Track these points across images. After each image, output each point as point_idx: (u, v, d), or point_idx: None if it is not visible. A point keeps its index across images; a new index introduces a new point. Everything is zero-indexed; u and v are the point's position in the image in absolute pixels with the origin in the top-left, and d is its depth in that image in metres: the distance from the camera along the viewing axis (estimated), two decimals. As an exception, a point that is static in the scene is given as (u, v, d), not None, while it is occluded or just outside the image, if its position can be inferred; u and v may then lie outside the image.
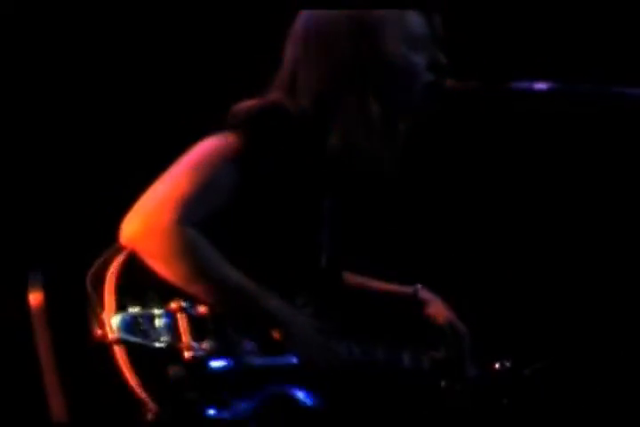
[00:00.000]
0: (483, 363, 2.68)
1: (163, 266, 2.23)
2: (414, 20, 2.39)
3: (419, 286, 2.70)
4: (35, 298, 2.34)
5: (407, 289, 2.70)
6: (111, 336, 2.18)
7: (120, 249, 2.27)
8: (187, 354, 2.20)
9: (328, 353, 2.36)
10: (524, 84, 2.36)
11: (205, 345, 2.23)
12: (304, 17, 2.41)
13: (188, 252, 2.23)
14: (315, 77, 2.36)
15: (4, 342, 3.15)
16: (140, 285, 2.26)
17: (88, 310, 2.22)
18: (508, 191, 3.62)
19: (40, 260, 2.53)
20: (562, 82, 2.33)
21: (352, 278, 2.69)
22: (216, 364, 2.24)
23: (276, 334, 2.30)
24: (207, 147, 2.31)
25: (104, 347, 2.18)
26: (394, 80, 2.36)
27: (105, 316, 2.19)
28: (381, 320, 2.67)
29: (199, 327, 2.25)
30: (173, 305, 2.24)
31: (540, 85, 2.34)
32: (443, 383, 2.61)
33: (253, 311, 2.29)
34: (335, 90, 2.35)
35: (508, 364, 2.66)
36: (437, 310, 2.67)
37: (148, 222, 2.24)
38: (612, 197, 3.60)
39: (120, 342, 2.18)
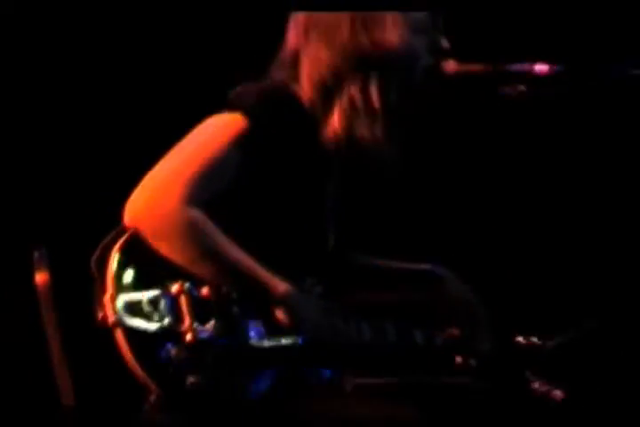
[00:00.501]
0: (505, 337, 2.67)
1: (167, 247, 2.23)
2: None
3: (434, 264, 2.70)
4: (41, 278, 2.35)
5: (424, 267, 2.71)
6: (112, 319, 2.19)
7: (123, 230, 2.27)
8: (188, 336, 2.21)
9: (336, 334, 2.37)
10: (524, 66, 2.37)
11: (208, 327, 2.24)
12: None
13: (193, 232, 2.23)
14: (316, 64, 2.38)
15: (12, 324, 3.17)
16: (142, 267, 2.26)
17: (91, 292, 2.23)
18: (510, 172, 3.64)
19: (46, 241, 2.51)
20: (562, 64, 2.34)
21: (367, 259, 2.70)
22: (219, 346, 2.25)
23: (280, 315, 2.30)
24: (213, 127, 2.32)
25: (106, 329, 2.19)
26: (395, 68, 2.37)
27: (106, 298, 2.20)
28: (394, 298, 2.69)
29: (202, 309, 2.26)
30: (176, 287, 2.24)
31: (541, 67, 2.35)
32: (458, 359, 2.60)
33: (260, 292, 2.29)
34: (336, 76, 2.37)
35: (534, 339, 2.65)
36: (452, 286, 2.67)
37: (152, 203, 2.23)
38: (611, 180, 3.63)
39: (121, 324, 2.19)
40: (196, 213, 2.23)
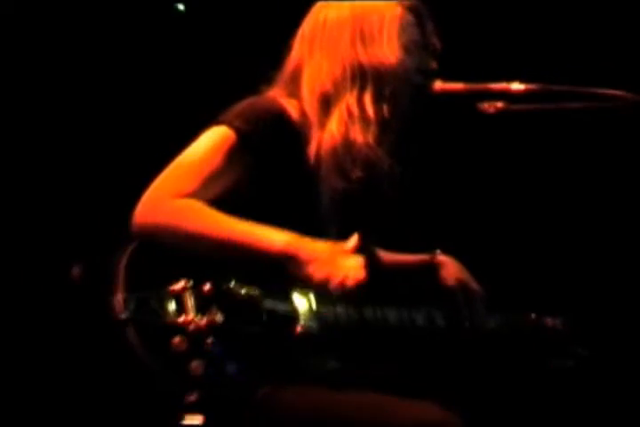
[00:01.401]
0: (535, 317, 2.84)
1: (166, 234, 2.38)
2: (409, 28, 2.59)
3: (437, 251, 2.85)
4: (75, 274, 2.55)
5: (425, 256, 2.86)
6: (123, 316, 2.33)
7: (131, 240, 2.42)
8: (191, 327, 2.34)
9: (343, 268, 2.40)
10: (502, 85, 2.55)
11: (210, 319, 2.36)
12: (312, 21, 2.60)
13: (182, 215, 2.38)
14: (318, 75, 2.54)
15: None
16: (148, 269, 2.40)
17: (105, 293, 2.37)
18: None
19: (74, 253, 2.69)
20: (537, 83, 2.53)
21: (379, 252, 2.85)
22: (219, 335, 2.37)
23: (291, 267, 2.37)
24: (203, 139, 2.47)
25: (118, 325, 2.34)
26: (387, 81, 2.54)
27: (118, 298, 2.35)
28: (397, 285, 2.84)
29: (204, 304, 2.38)
30: (180, 285, 2.37)
31: (517, 86, 2.54)
32: (459, 338, 2.72)
33: (260, 249, 2.38)
34: (336, 86, 2.53)
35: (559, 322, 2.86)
36: (450, 271, 2.81)
37: (148, 205, 2.39)
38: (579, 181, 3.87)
39: (130, 320, 2.33)
40: (183, 201, 2.38)
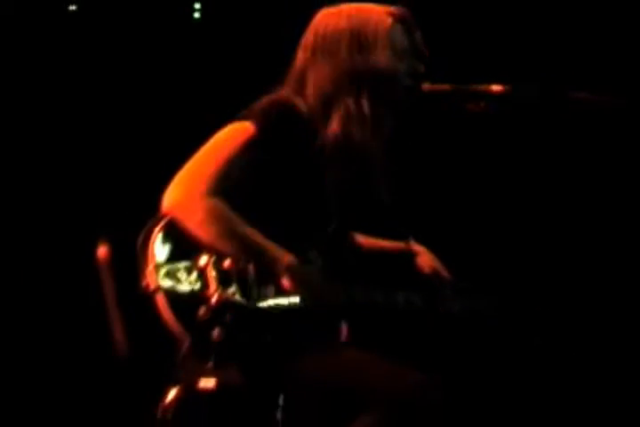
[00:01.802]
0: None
1: (196, 229, 2.61)
2: (399, 36, 2.82)
3: (411, 240, 3.11)
4: (102, 254, 2.73)
5: (403, 244, 3.11)
6: (154, 285, 2.57)
7: (161, 217, 2.66)
8: (213, 299, 2.58)
9: (329, 296, 2.72)
10: (483, 86, 2.78)
11: (229, 291, 2.61)
12: (314, 30, 2.82)
13: (214, 217, 2.61)
14: (320, 79, 2.78)
15: (78, 289, 3.55)
16: (177, 244, 2.64)
17: (137, 264, 2.61)
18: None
19: (105, 226, 2.89)
20: (514, 84, 2.75)
21: (360, 238, 3.10)
22: (237, 306, 2.61)
23: (285, 282, 2.66)
24: (228, 133, 2.71)
25: (149, 293, 2.57)
26: (381, 84, 2.77)
27: (149, 269, 2.59)
28: (381, 269, 3.06)
29: (224, 278, 2.62)
30: (203, 260, 2.62)
31: (497, 87, 2.76)
32: (432, 317, 2.95)
33: (269, 263, 2.65)
34: (336, 90, 2.77)
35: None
36: (425, 259, 3.07)
37: (183, 195, 2.61)
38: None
39: (160, 289, 2.57)
40: (216, 202, 2.62)
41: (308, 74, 2.80)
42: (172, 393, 2.72)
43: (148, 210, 2.72)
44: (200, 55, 3.93)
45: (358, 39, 2.77)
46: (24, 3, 3.77)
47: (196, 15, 3.93)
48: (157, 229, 2.66)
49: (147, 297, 2.60)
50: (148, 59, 3.92)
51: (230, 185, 2.67)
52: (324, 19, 2.84)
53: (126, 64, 3.90)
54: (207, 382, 2.68)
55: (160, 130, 3.86)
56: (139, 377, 2.88)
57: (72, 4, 3.81)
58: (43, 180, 3.81)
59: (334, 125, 2.76)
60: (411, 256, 3.09)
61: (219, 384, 2.67)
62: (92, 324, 2.86)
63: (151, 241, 2.64)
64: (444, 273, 3.09)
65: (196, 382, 2.67)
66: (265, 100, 2.78)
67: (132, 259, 2.67)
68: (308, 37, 2.83)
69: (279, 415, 2.72)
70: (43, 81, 3.84)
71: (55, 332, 3.74)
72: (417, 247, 3.11)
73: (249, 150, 2.68)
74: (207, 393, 2.69)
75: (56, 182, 3.81)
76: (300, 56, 2.83)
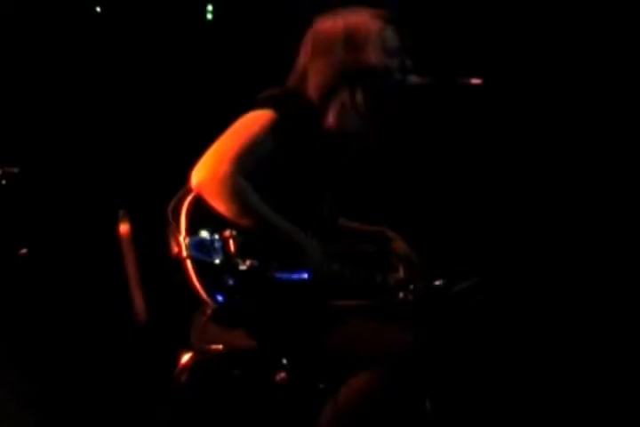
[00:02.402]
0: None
1: (221, 205, 2.79)
2: (390, 35, 3.03)
3: (386, 227, 3.29)
4: (123, 228, 2.94)
5: (379, 229, 3.31)
6: (184, 253, 2.74)
7: (189, 190, 2.82)
8: (237, 268, 2.76)
9: (330, 271, 2.95)
10: (463, 79, 2.98)
11: (248, 262, 2.79)
12: (313, 32, 3.04)
13: (239, 195, 2.79)
14: (318, 76, 2.99)
15: (101, 260, 3.69)
16: (204, 217, 2.81)
17: (168, 233, 2.77)
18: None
19: (131, 198, 3.05)
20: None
21: (345, 222, 3.31)
22: (255, 275, 2.79)
23: (301, 258, 2.86)
24: (252, 117, 2.89)
25: (180, 260, 2.73)
26: (373, 79, 2.99)
27: (180, 238, 2.75)
28: (362, 250, 3.25)
29: (244, 250, 2.81)
30: (226, 233, 2.81)
31: (475, 80, 2.98)
32: (401, 294, 3.17)
33: (283, 238, 2.86)
34: (332, 85, 2.98)
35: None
36: (399, 244, 3.27)
37: (211, 174, 2.78)
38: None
39: (190, 257, 2.73)
40: (242, 181, 2.80)
41: (309, 71, 3.00)
42: (186, 357, 2.94)
43: (169, 187, 2.88)
44: (212, 54, 4.10)
45: (352, 39, 2.97)
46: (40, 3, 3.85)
47: (209, 16, 4.05)
48: (187, 201, 2.82)
49: (178, 264, 2.75)
50: (163, 58, 4.05)
51: (255, 166, 2.84)
52: (323, 22, 3.06)
53: (144, 63, 4.04)
54: (218, 346, 2.92)
55: (180, 118, 4.03)
56: (156, 340, 3.06)
57: (97, 6, 3.92)
58: (71, 159, 3.96)
59: (331, 117, 2.96)
60: (385, 240, 3.27)
61: (230, 347, 2.89)
62: (116, 292, 3.03)
63: (182, 212, 2.79)
64: (414, 258, 3.25)
65: (210, 345, 2.89)
66: (281, 91, 2.99)
67: (152, 232, 2.85)
68: (309, 38, 3.05)
69: (282, 375, 2.90)
70: (63, 74, 3.94)
71: (80, 300, 3.92)
72: (391, 233, 3.29)
73: (273, 134, 2.86)
74: (218, 356, 2.91)
75: (83, 161, 3.96)
76: (302, 55, 3.04)
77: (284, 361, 2.91)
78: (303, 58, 3.05)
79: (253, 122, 2.90)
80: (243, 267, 2.80)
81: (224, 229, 2.83)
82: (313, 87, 3.01)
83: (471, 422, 3.61)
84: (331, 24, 3.03)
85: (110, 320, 3.79)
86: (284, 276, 2.88)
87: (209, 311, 2.79)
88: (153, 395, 3.22)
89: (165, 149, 3.94)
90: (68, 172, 3.98)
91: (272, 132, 2.87)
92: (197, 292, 2.76)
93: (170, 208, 2.81)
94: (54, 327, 3.90)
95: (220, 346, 2.92)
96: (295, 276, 2.90)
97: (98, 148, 4.02)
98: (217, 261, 2.78)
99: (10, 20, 3.77)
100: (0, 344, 3.70)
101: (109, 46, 3.99)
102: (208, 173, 2.80)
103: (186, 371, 2.94)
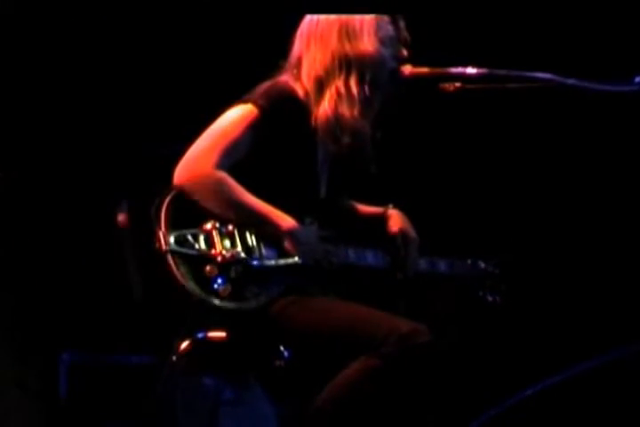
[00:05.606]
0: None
1: (204, 199, 2.88)
2: (385, 25, 3.06)
3: (390, 205, 3.32)
4: (122, 218, 3.04)
5: (380, 208, 3.33)
6: (165, 248, 2.81)
7: (172, 188, 2.90)
8: (218, 258, 2.83)
9: (327, 255, 2.99)
10: (459, 69, 2.99)
11: (233, 252, 2.86)
12: (308, 22, 3.07)
13: (221, 188, 2.87)
14: (313, 64, 3.03)
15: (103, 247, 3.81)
16: (185, 212, 2.87)
17: (151, 229, 2.84)
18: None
19: (124, 195, 3.13)
20: (487, 68, 2.95)
21: (349, 204, 3.34)
22: (240, 264, 2.84)
23: (286, 244, 2.91)
24: (233, 114, 2.96)
25: (161, 255, 2.81)
26: (367, 68, 3.02)
27: (161, 233, 2.84)
28: (365, 231, 3.29)
29: (228, 240, 2.87)
30: (209, 225, 2.87)
31: (471, 70, 2.98)
32: (398, 275, 3.21)
33: (271, 227, 2.91)
34: (327, 73, 3.02)
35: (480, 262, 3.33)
36: (395, 222, 3.26)
37: (192, 170, 2.88)
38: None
39: (170, 251, 2.81)
40: (223, 174, 2.87)
41: (303, 60, 3.05)
42: (184, 344, 2.97)
43: (162, 181, 2.95)
44: (206, 45, 4.15)
45: (347, 28, 3.02)
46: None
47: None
48: (168, 199, 2.89)
49: (159, 257, 2.83)
50: (163, 58, 4.11)
51: (235, 160, 2.90)
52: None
53: (144, 63, 4.10)
54: (216, 333, 2.95)
55: (170, 109, 4.09)
56: (152, 318, 3.16)
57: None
58: (69, 153, 4.02)
59: (326, 105, 3.01)
60: (383, 219, 3.29)
61: (226, 334, 2.93)
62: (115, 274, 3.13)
63: (162, 209, 2.87)
64: (412, 233, 3.26)
65: (205, 332, 2.94)
66: (265, 85, 3.03)
67: (146, 223, 2.91)
68: (303, 28, 3.09)
69: (279, 363, 2.95)
70: (61, 73, 3.99)
71: (83, 281, 4.00)
72: (391, 211, 3.31)
73: (251, 130, 2.92)
74: (215, 343, 2.95)
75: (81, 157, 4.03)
76: (297, 45, 3.08)
77: (281, 348, 2.95)
78: (298, 47, 3.09)
79: (234, 119, 2.95)
80: (228, 254, 2.85)
81: (206, 222, 2.88)
82: (307, 76, 3.05)
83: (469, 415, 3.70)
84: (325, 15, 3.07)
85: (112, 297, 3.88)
86: (274, 263, 2.92)
87: (193, 301, 2.83)
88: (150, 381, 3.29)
89: (162, 143, 3.93)
90: (63, 168, 4.07)
91: (253, 128, 2.92)
92: (179, 283, 2.81)
93: (153, 206, 2.88)
94: (54, 317, 3.99)
95: (223, 333, 2.96)
96: (282, 262, 2.93)
97: (94, 143, 4.11)
98: (200, 251, 2.84)
99: (10, 20, 3.80)
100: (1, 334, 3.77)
101: (109, 46, 4.06)
102: (190, 168, 2.87)
103: (184, 358, 2.98)
